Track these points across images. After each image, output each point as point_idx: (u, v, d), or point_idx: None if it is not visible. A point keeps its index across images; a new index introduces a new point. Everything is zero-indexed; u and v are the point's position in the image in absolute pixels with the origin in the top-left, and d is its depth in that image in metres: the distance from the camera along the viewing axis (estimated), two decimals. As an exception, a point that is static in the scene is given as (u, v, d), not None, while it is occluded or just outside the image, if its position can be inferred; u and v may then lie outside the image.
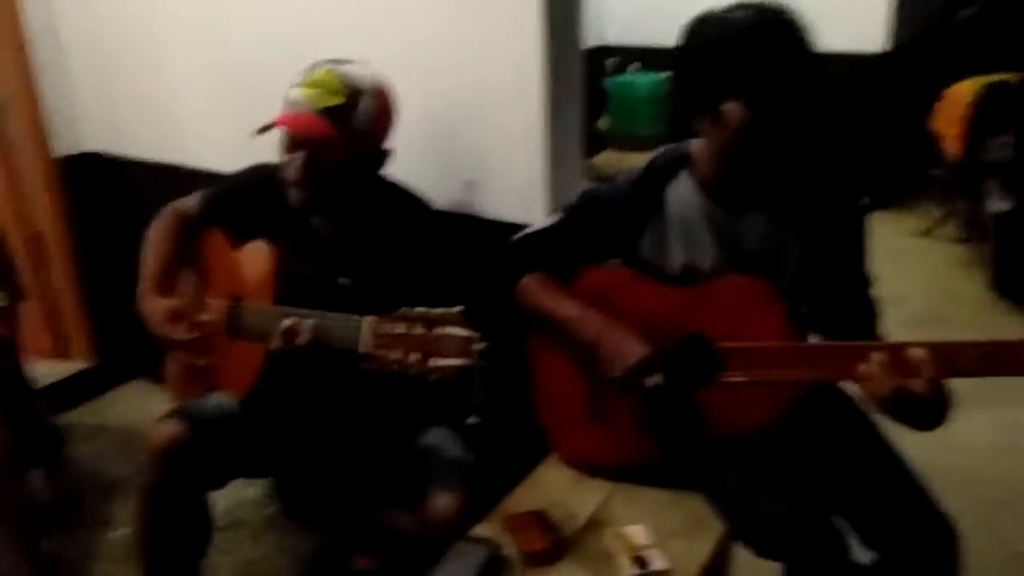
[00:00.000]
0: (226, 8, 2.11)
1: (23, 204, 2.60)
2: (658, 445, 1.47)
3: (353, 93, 1.48)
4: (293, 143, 1.50)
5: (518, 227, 1.65)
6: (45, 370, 2.73)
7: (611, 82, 4.72)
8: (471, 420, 1.22)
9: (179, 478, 1.52)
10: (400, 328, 1.26)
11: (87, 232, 2.65)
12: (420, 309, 1.26)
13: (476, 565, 1.33)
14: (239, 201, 1.70)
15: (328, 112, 1.46)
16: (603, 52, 4.84)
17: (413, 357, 1.24)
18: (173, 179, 2.34)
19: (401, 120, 1.58)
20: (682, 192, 1.46)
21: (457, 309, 1.24)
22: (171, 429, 1.53)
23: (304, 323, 1.38)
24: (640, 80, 4.56)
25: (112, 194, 2.59)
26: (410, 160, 1.67)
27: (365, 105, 1.49)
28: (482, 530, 1.44)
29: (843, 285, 1.46)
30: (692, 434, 1.42)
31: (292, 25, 1.97)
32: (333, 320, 1.37)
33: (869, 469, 1.41)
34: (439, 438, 1.63)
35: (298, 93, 1.49)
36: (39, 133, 2.49)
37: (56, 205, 2.58)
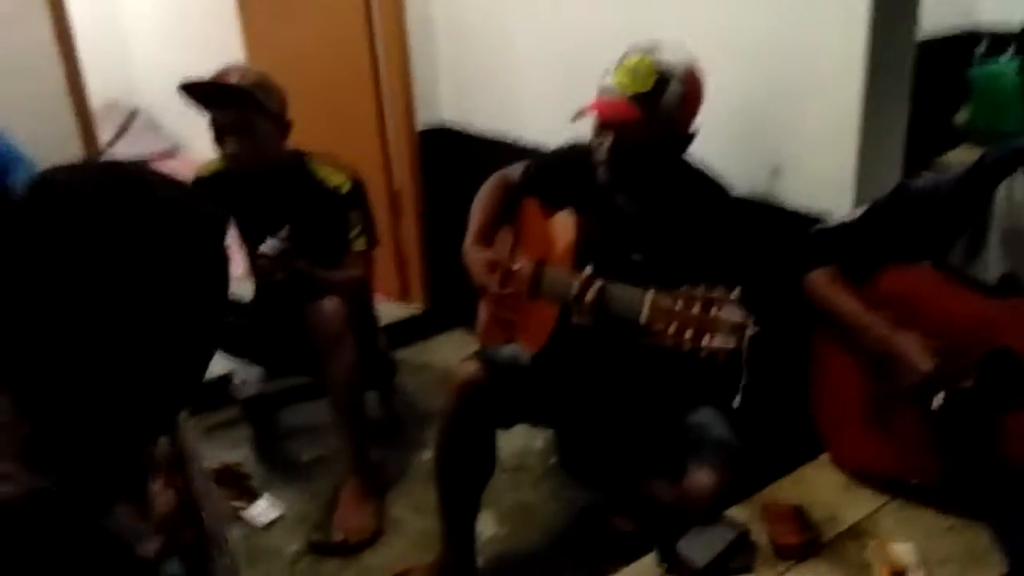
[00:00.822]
0: (568, -1, 2.29)
1: (388, 166, 3.07)
2: (944, 464, 1.36)
3: (662, 80, 1.53)
4: (602, 126, 1.61)
5: (820, 220, 1.61)
6: (389, 310, 3.20)
7: (976, 71, 4.18)
8: (735, 403, 1.23)
9: (473, 411, 1.73)
10: (679, 304, 1.29)
11: (434, 194, 3.04)
12: (701, 288, 1.29)
13: (723, 542, 1.35)
14: (554, 174, 1.86)
15: (637, 98, 1.53)
16: (972, 38, 4.31)
17: (687, 334, 1.27)
18: (509, 152, 2.59)
19: (711, 101, 1.61)
20: (1017, 194, 1.32)
21: (735, 292, 1.26)
22: (472, 368, 1.74)
23: (594, 284, 1.47)
24: (1010, 68, 3.98)
25: (457, 162, 2.94)
26: (717, 142, 1.70)
27: (673, 91, 1.54)
28: (736, 512, 1.46)
29: None
30: (985, 459, 1.29)
31: (624, 11, 2.08)
32: (620, 288, 1.45)
33: None
34: (707, 417, 1.66)
35: (610, 80, 1.58)
36: (408, 108, 2.91)
37: (413, 169, 3.00)
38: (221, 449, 2.51)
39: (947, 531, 1.37)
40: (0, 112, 1.92)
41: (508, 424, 1.85)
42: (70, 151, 2.34)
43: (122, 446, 0.75)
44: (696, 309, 1.27)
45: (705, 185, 1.69)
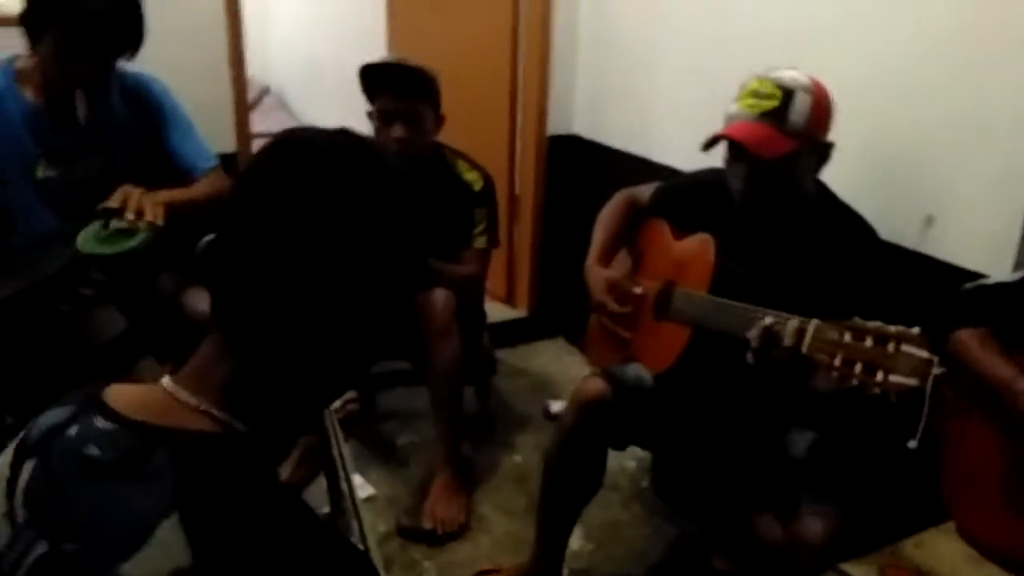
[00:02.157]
0: (716, 15, 2.26)
1: (512, 169, 3.10)
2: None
3: (787, 93, 1.50)
4: (735, 155, 1.58)
5: (975, 277, 1.53)
6: (493, 311, 3.23)
7: None
8: (911, 444, 1.18)
9: (593, 428, 1.71)
10: (847, 337, 1.25)
11: (554, 202, 3.05)
12: (875, 323, 1.24)
13: (837, 597, 1.30)
14: (689, 197, 1.84)
15: (765, 116, 1.50)
16: None
17: (857, 368, 1.23)
18: (638, 167, 2.58)
19: (866, 139, 1.56)
20: None
21: (916, 330, 1.21)
22: (599, 385, 1.71)
23: (789, 325, 1.36)
24: None
25: (582, 172, 2.94)
26: (868, 182, 1.64)
27: (800, 101, 1.50)
28: (853, 568, 1.40)
29: None
30: None
31: (776, 36, 2.04)
32: (779, 319, 1.39)
33: None
34: (827, 463, 1.60)
35: (735, 107, 1.55)
36: (541, 115, 2.93)
37: (537, 175, 3.02)
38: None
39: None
40: (167, 72, 2.02)
41: (623, 445, 1.82)
42: (224, 118, 2.45)
43: (319, 398, 0.77)
44: (869, 343, 1.23)
45: (848, 220, 1.64)
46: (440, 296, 2.17)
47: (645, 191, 1.97)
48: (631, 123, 2.68)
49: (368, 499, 2.22)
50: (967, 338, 1.43)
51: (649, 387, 1.74)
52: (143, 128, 1.95)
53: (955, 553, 1.45)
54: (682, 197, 1.87)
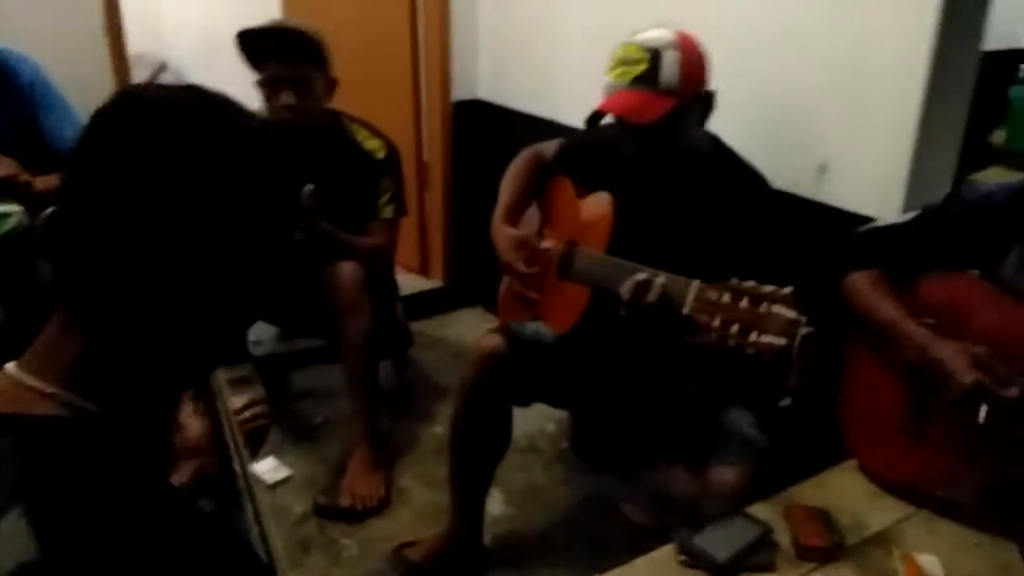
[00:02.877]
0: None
1: (419, 136, 3.03)
2: (977, 479, 1.33)
3: (654, 54, 1.50)
4: (621, 124, 1.58)
5: (866, 222, 1.57)
6: (408, 282, 3.18)
7: (1017, 90, 4.11)
8: (784, 403, 1.20)
9: (493, 384, 1.71)
10: (726, 297, 1.27)
11: (463, 169, 3.01)
12: (750, 283, 1.26)
13: (746, 540, 1.33)
14: (588, 155, 1.83)
15: (637, 81, 1.50)
16: (1014, 56, 4.24)
17: (733, 328, 1.24)
18: (543, 129, 2.56)
19: (756, 89, 1.57)
20: (1073, 210, 1.29)
21: (788, 289, 1.22)
22: (495, 341, 1.71)
23: (656, 281, 1.40)
24: (1052, 90, 3.92)
25: (490, 137, 2.90)
26: (761, 138, 1.66)
27: (669, 59, 1.50)
28: (758, 511, 1.43)
29: None
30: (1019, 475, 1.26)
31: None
32: (666, 278, 1.41)
33: None
34: (734, 412, 1.63)
35: (609, 78, 1.55)
36: (444, 80, 2.87)
37: (444, 142, 2.96)
38: (231, 405, 2.50)
39: (976, 548, 1.34)
40: (39, 48, 1.89)
41: (526, 401, 1.82)
42: (104, 93, 2.31)
43: (184, 373, 0.73)
44: (745, 303, 1.24)
45: (741, 171, 1.66)
46: (347, 269, 2.11)
47: (550, 147, 1.95)
48: (535, 85, 2.65)
49: (283, 481, 2.17)
50: (859, 280, 1.47)
51: (548, 343, 1.74)
52: (10, 111, 1.82)
53: (856, 489, 1.50)
54: (583, 154, 1.86)
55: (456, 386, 1.81)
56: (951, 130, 1.65)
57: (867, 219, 1.58)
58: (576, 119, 2.42)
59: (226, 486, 1.01)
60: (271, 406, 1.24)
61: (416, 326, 2.99)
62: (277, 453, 2.27)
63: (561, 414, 2.40)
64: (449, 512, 1.85)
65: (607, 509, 2.03)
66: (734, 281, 1.27)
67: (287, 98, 2.03)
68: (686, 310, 1.32)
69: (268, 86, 2.04)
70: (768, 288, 1.23)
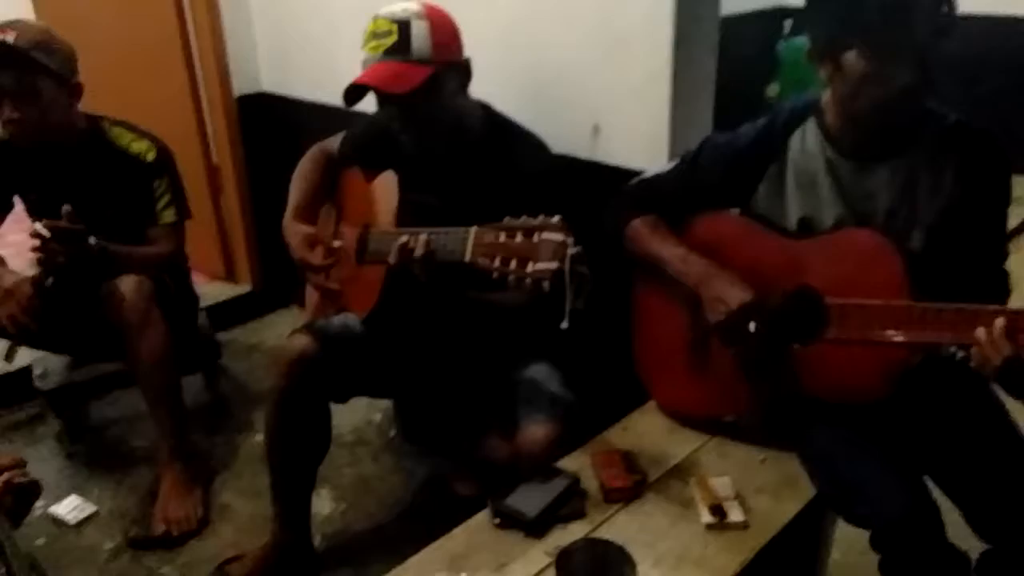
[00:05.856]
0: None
1: (205, 139, 2.87)
2: (753, 399, 1.44)
3: (403, 25, 1.51)
4: (381, 99, 1.58)
5: (637, 174, 1.64)
6: (215, 291, 3.03)
7: (784, 46, 4.49)
8: (563, 325, 1.22)
9: (306, 386, 1.64)
10: (502, 236, 1.28)
11: (257, 167, 2.88)
12: (522, 218, 1.27)
13: (554, 493, 1.37)
14: (370, 140, 1.80)
15: (389, 53, 1.51)
16: (780, 13, 4.61)
17: (512, 264, 1.25)
18: (333, 118, 2.48)
19: (526, 66, 1.60)
20: (807, 142, 1.41)
21: (557, 218, 1.25)
22: (301, 342, 1.65)
23: (419, 237, 1.42)
24: (811, 43, 4.30)
25: (279, 132, 2.79)
26: (537, 106, 1.70)
27: (418, 29, 1.51)
28: (568, 462, 1.47)
29: (975, 253, 1.35)
30: (787, 390, 1.37)
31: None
32: (443, 233, 1.41)
33: (990, 453, 1.30)
34: (539, 373, 1.67)
35: (364, 53, 1.55)
36: (222, 74, 2.72)
37: (232, 141, 2.82)
38: (22, 449, 2.29)
39: (761, 463, 1.45)
40: None
41: (343, 398, 1.77)
42: None
43: None
44: (519, 238, 1.26)
45: (519, 137, 1.68)
46: (129, 284, 1.96)
47: (334, 142, 1.91)
48: (317, 72, 2.58)
49: (89, 519, 2.00)
50: (639, 225, 1.54)
51: (357, 333, 1.70)
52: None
53: (657, 428, 1.58)
54: (364, 142, 1.83)
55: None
56: (703, 83, 1.75)
57: (639, 173, 1.65)
58: (362, 104, 2.39)
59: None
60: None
61: (228, 335, 2.86)
62: (80, 490, 2.10)
63: (386, 403, 2.37)
64: (272, 520, 1.78)
65: (439, 490, 2.02)
66: (506, 219, 1.28)
67: (8, 112, 1.85)
68: (467, 257, 1.32)
69: None
70: (538, 220, 1.25)
